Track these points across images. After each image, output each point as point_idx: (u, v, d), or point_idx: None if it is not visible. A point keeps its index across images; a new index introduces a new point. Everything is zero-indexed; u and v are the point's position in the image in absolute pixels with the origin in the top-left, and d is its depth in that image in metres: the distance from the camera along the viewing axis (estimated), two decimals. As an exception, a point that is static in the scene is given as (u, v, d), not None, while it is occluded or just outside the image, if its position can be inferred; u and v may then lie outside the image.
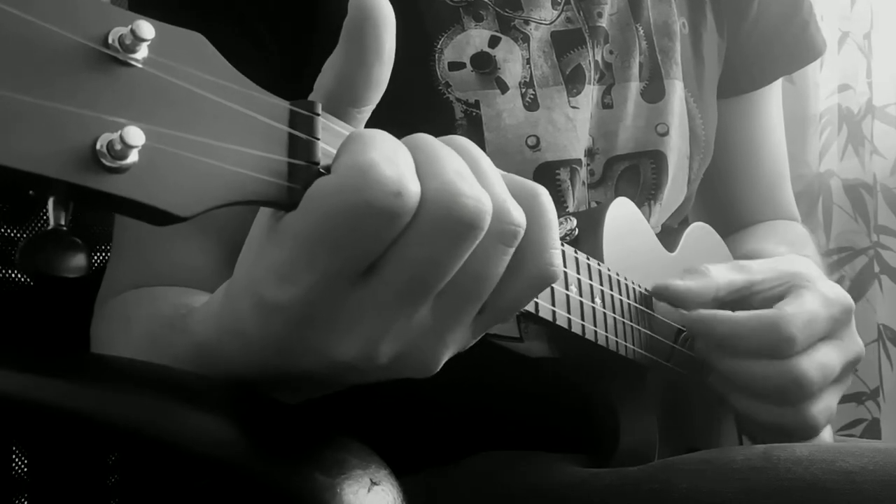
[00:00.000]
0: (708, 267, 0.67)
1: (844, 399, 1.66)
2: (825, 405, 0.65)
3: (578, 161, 0.72)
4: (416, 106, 0.66)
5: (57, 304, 0.75)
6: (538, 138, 0.69)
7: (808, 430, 0.65)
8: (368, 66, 0.37)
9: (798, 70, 0.95)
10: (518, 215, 0.38)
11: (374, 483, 0.37)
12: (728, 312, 0.64)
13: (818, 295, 0.66)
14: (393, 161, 0.34)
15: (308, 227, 0.34)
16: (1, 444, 0.54)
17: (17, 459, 0.56)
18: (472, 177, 0.36)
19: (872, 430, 1.64)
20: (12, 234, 0.72)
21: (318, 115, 0.36)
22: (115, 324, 0.62)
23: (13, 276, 0.73)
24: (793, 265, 0.71)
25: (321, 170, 0.35)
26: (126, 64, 0.30)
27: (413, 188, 0.34)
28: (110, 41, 0.29)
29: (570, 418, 0.69)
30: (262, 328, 0.38)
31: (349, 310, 0.37)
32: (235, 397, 0.44)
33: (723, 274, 0.67)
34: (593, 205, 0.73)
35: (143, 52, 0.30)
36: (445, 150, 0.37)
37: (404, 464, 0.44)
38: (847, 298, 0.68)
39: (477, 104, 0.68)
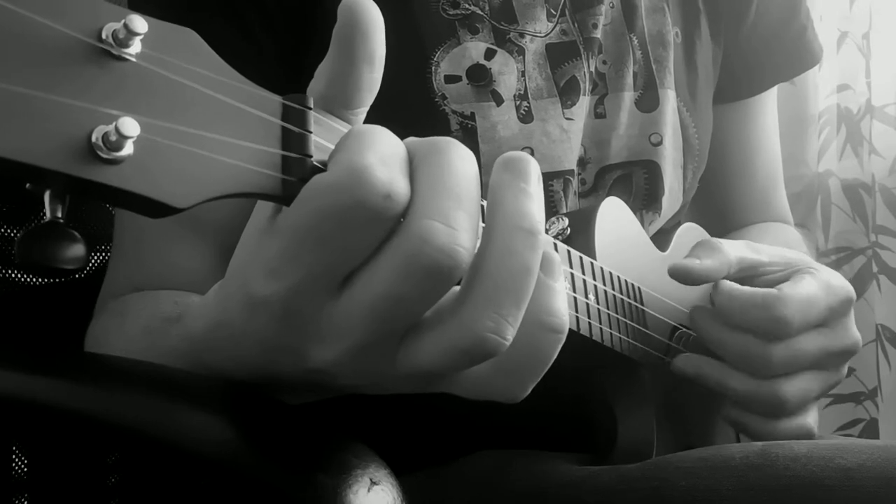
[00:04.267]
0: (721, 241, 0.67)
1: (843, 399, 1.67)
2: (800, 386, 0.65)
3: (571, 171, 0.72)
4: (411, 117, 0.66)
5: (57, 304, 0.76)
6: (532, 150, 0.70)
7: (778, 407, 0.65)
8: (359, 70, 0.37)
9: (794, 77, 0.95)
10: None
11: (374, 483, 0.37)
12: (729, 284, 0.65)
13: (821, 282, 0.66)
14: (387, 163, 0.34)
15: (298, 221, 0.34)
16: (1, 444, 0.54)
17: (17, 459, 0.56)
18: (464, 218, 0.35)
19: (871, 430, 1.64)
20: (12, 235, 0.73)
21: (311, 108, 0.36)
22: (109, 320, 0.62)
23: (13, 276, 0.73)
24: (798, 254, 0.72)
25: (316, 163, 0.35)
26: (120, 58, 0.30)
27: (403, 191, 0.34)
28: (104, 36, 0.30)
29: (567, 417, 0.69)
30: (248, 322, 0.38)
31: (328, 315, 0.36)
32: (236, 397, 0.44)
33: (736, 249, 0.67)
34: None
35: (136, 47, 0.31)
36: (449, 176, 0.36)
37: (404, 464, 0.45)
38: (848, 289, 0.68)
39: (472, 116, 0.69)
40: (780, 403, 0.65)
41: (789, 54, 0.91)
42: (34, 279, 0.75)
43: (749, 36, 0.87)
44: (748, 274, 0.68)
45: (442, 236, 0.34)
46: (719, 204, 0.94)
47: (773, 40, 0.89)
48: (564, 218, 0.64)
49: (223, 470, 0.39)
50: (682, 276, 0.65)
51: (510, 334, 0.36)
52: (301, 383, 0.42)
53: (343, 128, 0.38)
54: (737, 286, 0.65)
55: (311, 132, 0.36)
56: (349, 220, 0.34)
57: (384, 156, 0.34)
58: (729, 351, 0.65)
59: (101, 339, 0.61)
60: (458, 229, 0.34)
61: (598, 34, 0.74)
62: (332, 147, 0.36)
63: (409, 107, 0.67)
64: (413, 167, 0.36)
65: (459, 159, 0.36)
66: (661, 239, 0.75)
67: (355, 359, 0.37)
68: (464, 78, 0.69)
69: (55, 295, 0.76)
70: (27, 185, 0.30)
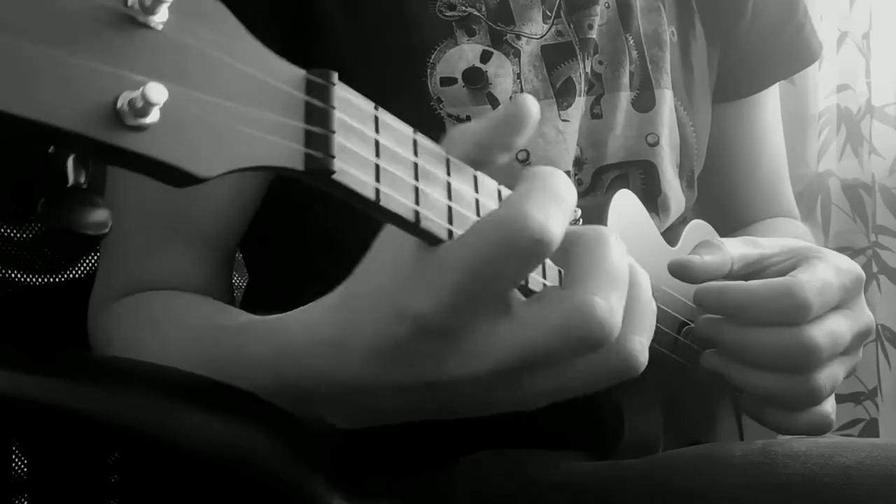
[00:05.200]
0: (722, 241, 0.66)
1: (842, 399, 1.66)
2: (830, 373, 0.64)
3: (568, 173, 0.72)
4: (407, 121, 0.66)
5: (57, 304, 0.76)
6: (528, 152, 0.70)
7: (811, 398, 0.63)
8: (495, 155, 0.43)
9: (794, 74, 0.95)
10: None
11: (374, 489, 0.38)
12: (741, 282, 0.63)
13: (830, 264, 0.65)
14: (547, 211, 0.39)
15: (467, 252, 0.39)
16: (1, 444, 0.54)
17: (17, 459, 0.56)
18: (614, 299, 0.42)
19: (870, 430, 1.64)
20: (12, 235, 0.73)
21: (335, 84, 0.36)
22: (138, 327, 0.62)
23: (13, 276, 0.73)
24: (800, 241, 0.70)
25: (337, 139, 0.36)
26: (146, 25, 0.30)
27: (555, 239, 0.39)
28: (129, 2, 0.30)
29: (572, 415, 0.69)
30: (382, 333, 0.41)
31: (485, 334, 0.41)
32: (236, 398, 0.44)
33: (736, 247, 0.66)
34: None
35: (163, 15, 0.30)
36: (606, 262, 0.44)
37: (404, 464, 0.45)
38: (858, 269, 0.66)
39: (468, 119, 0.68)
40: (815, 394, 0.63)
41: (788, 52, 0.91)
42: (34, 279, 0.75)
43: (747, 34, 0.87)
44: (753, 269, 0.67)
45: (603, 312, 0.41)
46: (725, 202, 0.94)
47: (772, 37, 0.89)
48: (577, 209, 0.64)
49: (223, 470, 0.39)
50: (680, 272, 0.64)
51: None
52: (404, 403, 0.43)
53: (366, 105, 0.38)
54: (748, 282, 0.63)
55: (334, 107, 0.36)
56: (510, 254, 0.39)
57: (544, 204, 0.40)
58: (759, 350, 0.63)
59: (130, 347, 0.60)
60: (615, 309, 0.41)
61: (594, 34, 0.74)
62: (355, 123, 0.37)
63: (405, 110, 0.67)
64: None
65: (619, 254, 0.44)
66: (670, 234, 0.74)
67: (490, 381, 0.41)
68: (459, 81, 0.69)
69: (55, 295, 0.76)
70: (50, 148, 0.30)
